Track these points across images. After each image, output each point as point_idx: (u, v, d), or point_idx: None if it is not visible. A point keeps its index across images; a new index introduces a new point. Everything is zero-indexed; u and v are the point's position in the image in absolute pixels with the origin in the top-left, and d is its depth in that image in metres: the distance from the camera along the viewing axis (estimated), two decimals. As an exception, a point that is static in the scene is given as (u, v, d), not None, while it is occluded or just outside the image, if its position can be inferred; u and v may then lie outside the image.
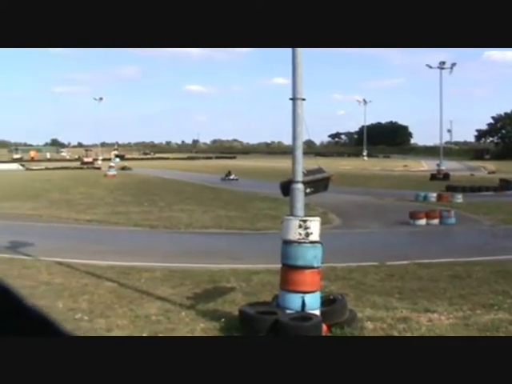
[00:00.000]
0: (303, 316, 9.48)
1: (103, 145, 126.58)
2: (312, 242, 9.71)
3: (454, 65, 72.59)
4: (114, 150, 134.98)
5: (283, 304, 9.83)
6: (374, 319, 10.61)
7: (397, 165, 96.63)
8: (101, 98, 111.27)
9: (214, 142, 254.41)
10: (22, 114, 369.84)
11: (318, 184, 11.24)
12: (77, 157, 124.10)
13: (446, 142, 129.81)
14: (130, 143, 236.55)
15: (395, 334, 9.82)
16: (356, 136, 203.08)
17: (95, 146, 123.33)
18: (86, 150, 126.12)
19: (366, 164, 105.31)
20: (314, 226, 9.80)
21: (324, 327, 9.50)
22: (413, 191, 38.67)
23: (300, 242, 9.69)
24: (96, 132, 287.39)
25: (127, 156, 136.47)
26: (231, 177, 59.23)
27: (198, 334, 9.79)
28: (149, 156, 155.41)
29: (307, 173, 10.71)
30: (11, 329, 1.12)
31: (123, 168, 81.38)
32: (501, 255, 17.14)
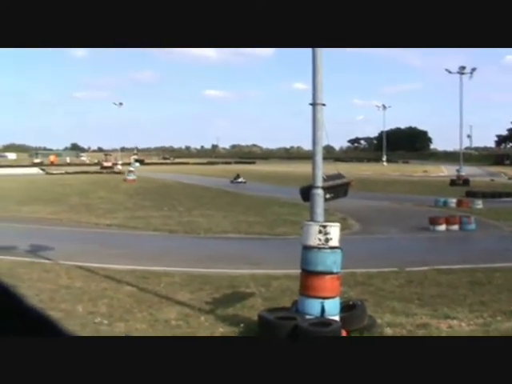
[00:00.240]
0: (323, 322, 9.46)
1: (123, 149, 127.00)
2: (332, 248, 9.71)
3: (474, 70, 72.21)
4: (134, 154, 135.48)
5: (303, 309, 9.82)
6: (393, 325, 10.57)
7: (416, 170, 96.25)
8: (120, 103, 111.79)
9: (234, 146, 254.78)
10: (43, 119, 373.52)
11: (337, 190, 11.24)
12: (96, 161, 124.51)
13: (466, 148, 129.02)
14: (149, 148, 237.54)
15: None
16: (375, 141, 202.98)
17: (115, 150, 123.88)
18: (106, 155, 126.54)
19: (385, 169, 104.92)
20: (334, 231, 9.79)
21: (343, 333, 9.47)
22: (432, 197, 38.48)
23: (320, 248, 9.68)
24: (116, 137, 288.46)
25: (147, 161, 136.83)
26: (239, 180, 62.80)
27: (217, 338, 9.80)
28: (168, 161, 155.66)
29: (327, 178, 10.70)
30: (11, 329, 1.12)
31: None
32: (522, 262, 17.00)
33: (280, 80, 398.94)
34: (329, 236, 9.67)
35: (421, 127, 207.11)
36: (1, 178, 68.53)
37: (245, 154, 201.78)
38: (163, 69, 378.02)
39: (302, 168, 64.14)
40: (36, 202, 36.78)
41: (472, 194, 42.15)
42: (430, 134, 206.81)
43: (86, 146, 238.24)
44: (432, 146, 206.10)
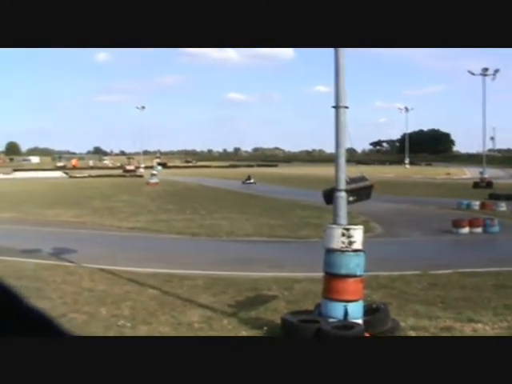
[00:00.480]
0: (346, 325, 9.43)
1: (145, 153, 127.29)
2: (355, 251, 9.67)
3: (496, 71, 71.54)
4: (156, 158, 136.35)
5: (325, 312, 9.79)
6: (416, 328, 10.50)
7: (439, 172, 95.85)
8: (143, 107, 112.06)
9: (256, 149, 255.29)
10: (66, 123, 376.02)
11: (360, 192, 11.20)
12: (119, 165, 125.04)
13: (489, 150, 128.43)
14: (171, 151, 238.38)
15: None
16: (398, 144, 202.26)
17: (137, 154, 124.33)
18: (129, 158, 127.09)
19: (408, 172, 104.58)
20: (357, 234, 9.77)
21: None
22: (455, 199, 38.17)
23: (343, 251, 9.65)
24: (138, 140, 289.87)
25: (169, 164, 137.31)
26: (250, 181, 68.33)
27: (240, 341, 9.79)
28: (191, 164, 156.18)
29: (350, 181, 10.66)
30: (11, 329, 1.12)
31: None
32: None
33: (302, 83, 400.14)
34: (352, 239, 9.64)
35: (444, 129, 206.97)
36: (25, 182, 69.20)
37: (267, 157, 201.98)
38: (185, 72, 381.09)
39: (322, 171, 64.05)
40: (59, 206, 37.07)
41: (495, 197, 41.83)
42: (453, 137, 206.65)
43: (108, 150, 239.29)
44: (455, 149, 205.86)
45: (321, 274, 10.31)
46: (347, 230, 9.74)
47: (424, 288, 14.13)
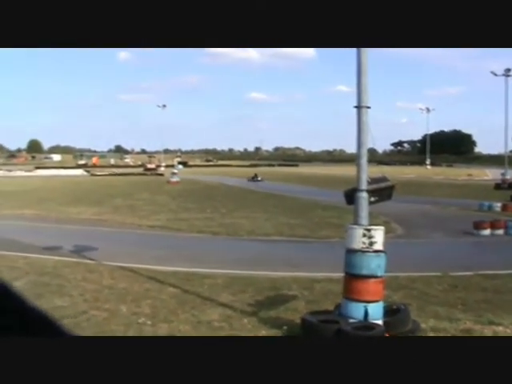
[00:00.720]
0: (366, 325, 9.41)
1: (166, 151, 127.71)
2: (376, 251, 9.65)
3: (519, 72, 71.21)
4: (177, 156, 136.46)
5: (346, 313, 9.77)
6: (437, 330, 10.44)
7: (460, 173, 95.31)
8: (164, 106, 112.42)
9: (277, 149, 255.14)
10: (88, 121, 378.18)
11: (382, 193, 11.17)
12: (140, 163, 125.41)
13: (511, 151, 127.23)
14: (192, 150, 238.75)
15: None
16: (419, 144, 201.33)
17: (158, 152, 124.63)
18: (150, 157, 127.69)
19: (429, 173, 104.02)
20: (378, 234, 9.74)
21: (387, 337, 9.42)
22: (477, 201, 37.88)
23: (364, 251, 9.63)
24: (159, 139, 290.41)
25: (190, 163, 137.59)
26: (257, 179, 72.49)
27: (259, 341, 9.79)
28: (211, 163, 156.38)
29: (371, 181, 10.62)
30: (11, 329, 1.13)
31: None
32: None
33: (323, 82, 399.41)
34: (373, 239, 9.62)
35: (465, 130, 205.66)
36: (47, 179, 69.64)
37: (288, 157, 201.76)
38: (207, 72, 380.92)
39: (343, 171, 63.94)
40: (81, 203, 37.27)
41: (517, 198, 41.51)
42: (475, 138, 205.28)
43: (129, 148, 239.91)
44: (476, 150, 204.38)
45: (340, 275, 10.30)
46: (368, 230, 9.72)
47: (444, 290, 14.07)
